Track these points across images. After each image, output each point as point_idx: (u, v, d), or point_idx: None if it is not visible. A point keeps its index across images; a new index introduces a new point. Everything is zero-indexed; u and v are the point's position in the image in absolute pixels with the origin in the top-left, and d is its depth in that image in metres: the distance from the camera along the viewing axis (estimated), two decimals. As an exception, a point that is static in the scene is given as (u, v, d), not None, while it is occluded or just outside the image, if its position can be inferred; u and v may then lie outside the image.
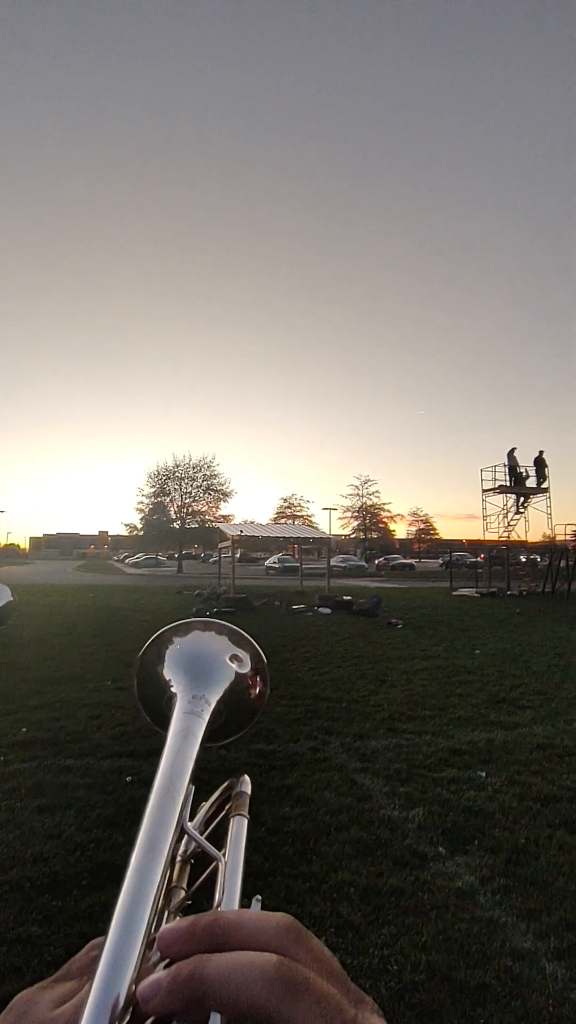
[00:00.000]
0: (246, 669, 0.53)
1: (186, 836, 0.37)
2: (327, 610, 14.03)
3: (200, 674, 0.50)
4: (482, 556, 29.07)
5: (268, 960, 0.23)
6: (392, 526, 71.57)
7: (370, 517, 64.84)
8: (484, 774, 4.11)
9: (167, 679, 0.50)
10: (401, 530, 78.13)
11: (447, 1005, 2.01)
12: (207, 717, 0.45)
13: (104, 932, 0.26)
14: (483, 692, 6.50)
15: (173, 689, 0.49)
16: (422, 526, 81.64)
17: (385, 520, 68.54)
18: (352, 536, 66.10)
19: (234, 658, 0.53)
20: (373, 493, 63.93)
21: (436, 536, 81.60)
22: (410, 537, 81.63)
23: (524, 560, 28.72)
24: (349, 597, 15.10)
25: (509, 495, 21.99)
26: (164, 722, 0.45)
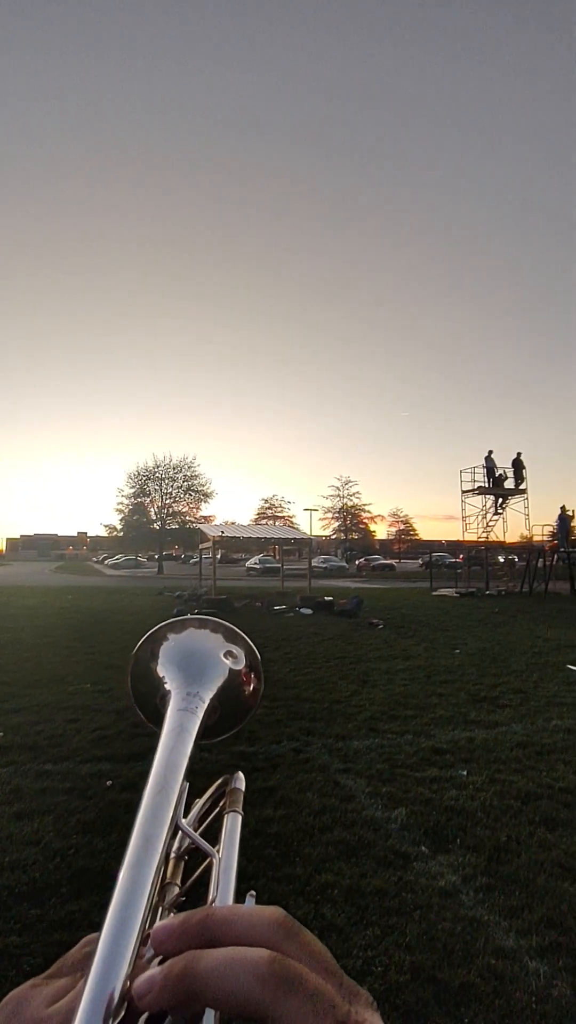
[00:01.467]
0: (240, 666, 0.53)
1: (180, 832, 0.37)
2: (308, 611, 14.03)
3: (194, 671, 0.50)
4: (461, 556, 29.39)
5: (261, 955, 0.23)
6: (373, 527, 71.99)
7: (351, 518, 65.14)
8: (465, 773, 4.14)
9: (161, 676, 0.50)
10: (382, 531, 78.63)
11: (432, 1005, 2.01)
12: (201, 714, 0.45)
13: (95, 930, 0.26)
14: (463, 691, 6.55)
15: (167, 686, 0.49)
16: (402, 527, 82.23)
17: (366, 521, 68.91)
18: (333, 537, 66.31)
19: (228, 655, 0.53)
20: (354, 494, 64.29)
21: (416, 537, 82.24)
22: (391, 538, 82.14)
23: (503, 560, 29.10)
24: (330, 598, 15.13)
25: (488, 496, 22.27)
26: (159, 719, 0.45)
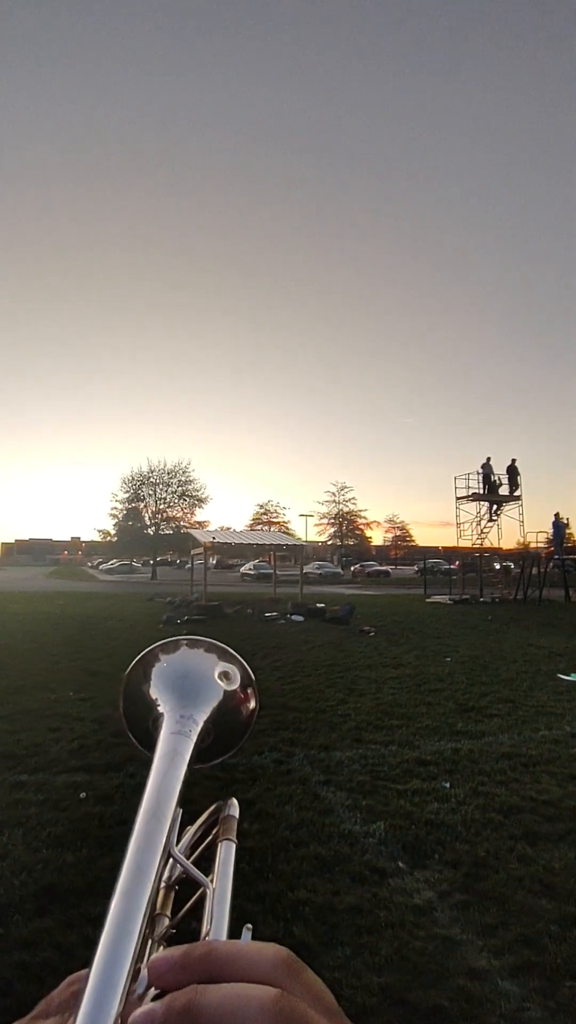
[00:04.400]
0: (234, 687, 0.52)
1: (172, 861, 0.36)
2: (300, 618, 13.96)
3: (187, 693, 0.49)
4: (457, 563, 29.37)
5: (267, 993, 0.23)
6: (368, 533, 71.98)
7: (346, 524, 65.13)
8: (448, 785, 4.08)
9: (154, 699, 0.49)
10: (378, 537, 78.60)
11: (398, 1030, 1.95)
12: (195, 737, 0.44)
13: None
14: (451, 701, 6.49)
15: (160, 709, 0.48)
16: (398, 533, 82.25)
17: (361, 527, 68.92)
18: (329, 543, 66.28)
19: (222, 676, 0.52)
20: (350, 500, 64.30)
21: (412, 543, 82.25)
22: (387, 544, 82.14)
23: (498, 567, 29.07)
24: (322, 604, 15.06)
25: (482, 503, 22.29)
26: (151, 743, 0.44)
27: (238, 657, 0.53)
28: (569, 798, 3.84)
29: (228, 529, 31.65)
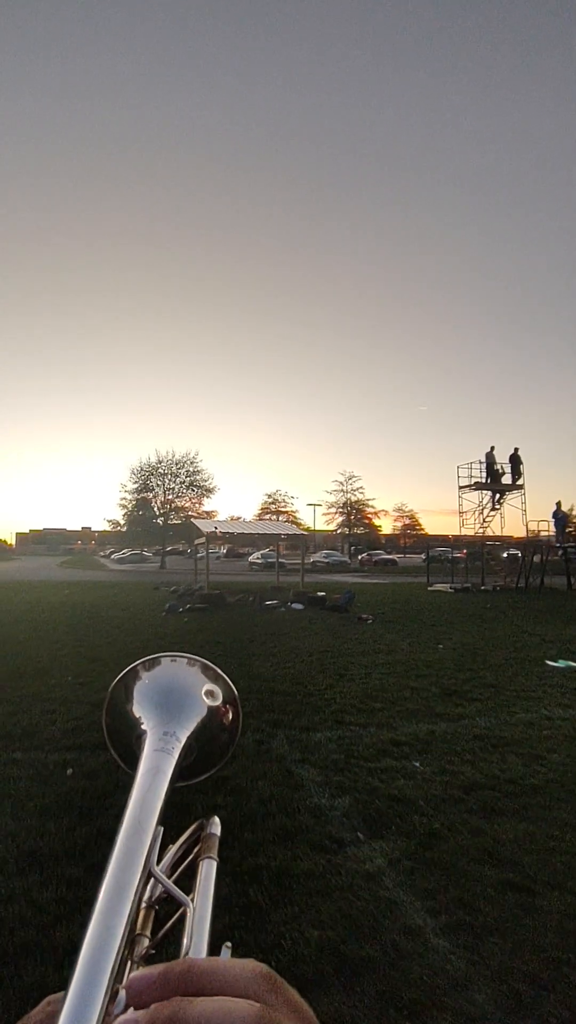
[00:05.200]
0: (217, 704, 0.52)
1: (153, 880, 0.36)
2: (300, 606, 14.18)
3: (170, 710, 0.49)
4: (464, 552, 29.40)
5: (251, 1008, 0.23)
6: (377, 522, 71.89)
7: (355, 513, 65.09)
8: (419, 764, 4.27)
9: (137, 716, 0.49)
10: (388, 526, 78.53)
11: (329, 975, 2.15)
12: (177, 755, 0.44)
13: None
14: (437, 685, 6.67)
15: (143, 726, 0.48)
16: (408, 522, 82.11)
17: (370, 516, 68.85)
18: (338, 532, 66.33)
19: (206, 694, 0.52)
20: (357, 489, 64.19)
21: (422, 532, 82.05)
22: (396, 533, 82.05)
23: (505, 556, 29.04)
24: (323, 593, 15.27)
25: (485, 492, 22.30)
26: (134, 760, 0.44)
27: (222, 674, 0.54)
28: (531, 776, 4.02)
29: (238, 519, 31.97)
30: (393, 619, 12.55)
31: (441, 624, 11.94)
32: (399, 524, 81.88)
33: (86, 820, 3.28)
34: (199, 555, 21.30)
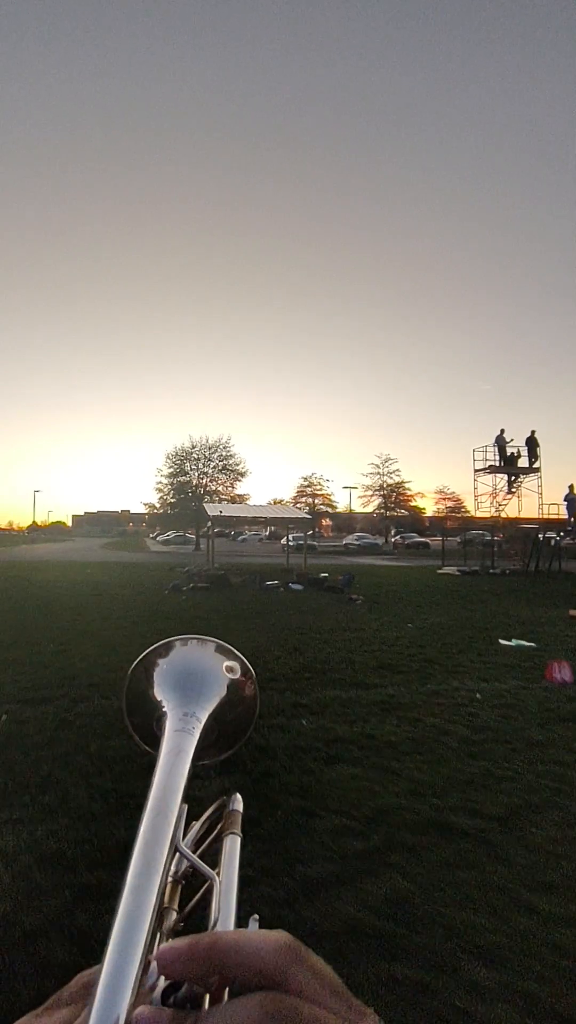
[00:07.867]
0: (235, 683, 0.54)
1: (179, 856, 0.38)
2: (299, 587, 14.81)
3: (190, 691, 0.51)
4: (500, 535, 29.15)
5: (254, 998, 0.25)
6: (421, 504, 71.16)
7: (394, 495, 64.76)
8: (305, 722, 4.85)
9: (157, 699, 0.51)
10: (430, 507, 77.52)
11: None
12: (198, 734, 0.46)
13: (93, 961, 0.28)
14: (375, 659, 7.15)
15: (164, 708, 0.49)
16: (452, 504, 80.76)
17: (410, 498, 68.28)
18: (375, 514, 66.26)
19: (224, 673, 0.54)
20: (394, 471, 63.80)
21: (467, 514, 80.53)
22: (440, 516, 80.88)
23: (542, 538, 28.58)
24: (325, 574, 15.83)
25: (499, 475, 22.16)
26: (155, 742, 0.46)
27: (238, 654, 0.55)
28: (393, 734, 4.54)
29: (280, 502, 32.45)
30: (382, 600, 12.99)
31: (427, 605, 12.31)
32: (441, 506, 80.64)
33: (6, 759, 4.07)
34: (252, 535, 22.20)
